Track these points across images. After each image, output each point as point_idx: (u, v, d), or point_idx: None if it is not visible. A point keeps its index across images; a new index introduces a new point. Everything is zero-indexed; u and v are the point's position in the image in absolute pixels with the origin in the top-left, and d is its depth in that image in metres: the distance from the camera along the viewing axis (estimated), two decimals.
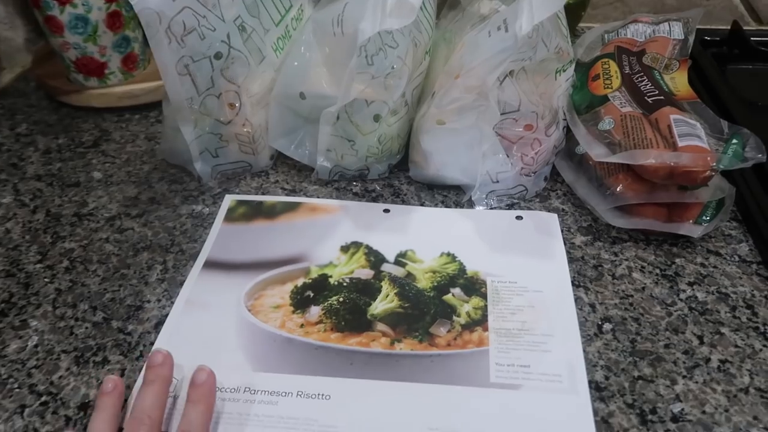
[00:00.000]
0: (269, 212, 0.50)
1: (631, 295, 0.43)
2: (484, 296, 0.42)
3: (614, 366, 0.38)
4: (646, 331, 0.40)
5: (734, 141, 0.44)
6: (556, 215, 0.49)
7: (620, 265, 0.45)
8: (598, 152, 0.46)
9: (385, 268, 0.45)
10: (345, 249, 0.47)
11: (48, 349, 0.40)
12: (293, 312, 0.42)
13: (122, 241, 0.48)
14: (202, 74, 0.47)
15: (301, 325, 0.41)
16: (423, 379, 0.37)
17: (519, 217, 0.49)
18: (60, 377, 0.39)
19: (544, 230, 0.47)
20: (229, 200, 0.51)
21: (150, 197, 0.52)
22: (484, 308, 0.42)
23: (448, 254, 0.46)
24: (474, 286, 0.43)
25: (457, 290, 0.43)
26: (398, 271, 0.44)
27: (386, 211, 0.50)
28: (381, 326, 0.41)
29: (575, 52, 0.59)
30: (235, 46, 0.48)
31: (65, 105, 0.63)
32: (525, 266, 0.45)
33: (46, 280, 0.45)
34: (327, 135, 0.50)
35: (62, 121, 0.62)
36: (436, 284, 0.43)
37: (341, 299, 0.43)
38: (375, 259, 0.46)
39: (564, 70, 0.50)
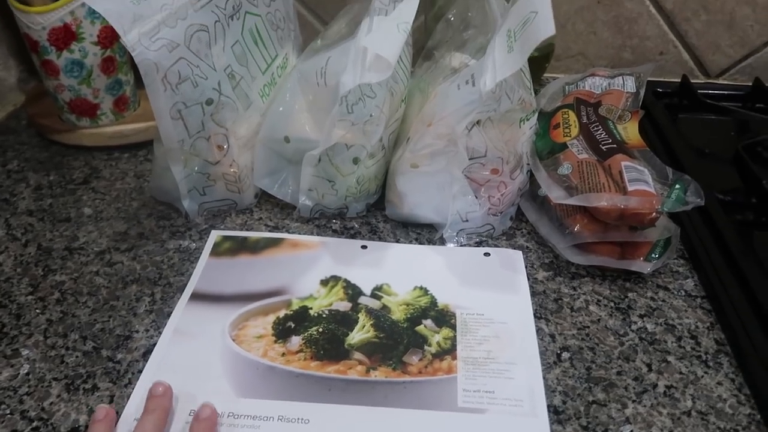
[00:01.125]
0: (253, 247, 0.53)
1: (588, 326, 0.47)
2: (453, 327, 0.46)
3: (571, 391, 0.42)
4: (600, 359, 0.44)
5: (677, 186, 0.49)
6: (520, 252, 0.53)
7: (578, 298, 0.49)
8: (557, 195, 0.50)
9: (362, 300, 0.48)
10: (325, 282, 0.50)
11: (39, 377, 0.42)
12: (275, 342, 0.45)
13: (112, 274, 0.50)
14: (193, 118, 0.50)
15: (283, 354, 0.44)
16: (396, 404, 0.40)
17: (487, 254, 0.52)
18: (51, 404, 0.40)
19: (510, 266, 0.51)
20: (215, 236, 0.54)
21: (139, 232, 0.55)
22: (454, 338, 0.45)
23: (421, 288, 0.49)
24: (444, 318, 0.46)
25: (428, 321, 0.46)
26: (374, 304, 0.48)
27: (364, 247, 0.53)
28: (357, 355, 0.44)
29: (539, 102, 0.64)
30: (224, 93, 0.51)
31: (56, 143, 0.66)
32: (492, 299, 0.48)
33: (37, 311, 0.47)
34: (309, 176, 0.54)
35: (53, 159, 0.64)
36: (409, 316, 0.46)
37: (320, 330, 0.45)
38: (353, 292, 0.49)
39: (527, 119, 0.55)
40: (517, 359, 0.43)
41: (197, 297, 0.48)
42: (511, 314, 0.47)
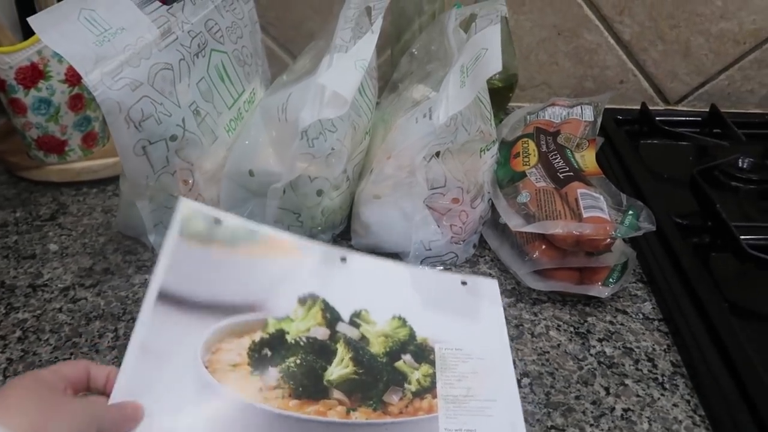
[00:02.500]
0: (229, 239, 0.48)
1: (548, 352, 0.47)
2: (432, 363, 0.45)
3: (530, 417, 0.42)
4: (559, 384, 0.45)
5: (630, 212, 0.50)
6: (496, 282, 0.51)
7: (539, 324, 0.50)
8: (515, 222, 0.51)
9: (340, 328, 0.47)
10: (302, 302, 0.47)
11: None
12: (251, 373, 0.42)
13: (75, 311, 0.50)
14: (158, 154, 0.51)
15: (260, 389, 0.42)
16: None
17: (464, 283, 0.51)
18: None
19: (486, 297, 0.50)
20: (185, 207, 0.46)
21: (104, 268, 0.55)
22: (433, 375, 0.44)
23: (399, 318, 0.48)
24: (423, 353, 0.46)
25: (407, 357, 0.45)
26: (353, 333, 0.46)
27: (343, 260, 0.51)
28: (337, 394, 0.42)
29: (501, 132, 0.66)
30: (189, 129, 0.52)
31: (24, 180, 0.66)
32: (469, 332, 0.47)
33: None
34: (274, 208, 0.54)
35: (20, 195, 0.65)
36: (388, 350, 0.46)
37: (298, 361, 0.44)
38: (331, 316, 0.47)
39: (488, 149, 0.57)
40: (497, 396, 0.43)
41: (166, 299, 0.43)
42: (489, 348, 0.46)
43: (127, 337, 0.48)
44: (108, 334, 0.48)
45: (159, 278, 0.44)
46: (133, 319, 0.49)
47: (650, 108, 0.77)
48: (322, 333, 0.46)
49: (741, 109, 0.82)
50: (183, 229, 0.46)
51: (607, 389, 0.44)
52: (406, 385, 0.43)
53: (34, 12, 0.43)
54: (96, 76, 0.45)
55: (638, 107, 0.79)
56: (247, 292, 0.46)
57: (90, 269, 0.55)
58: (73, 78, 0.61)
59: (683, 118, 0.79)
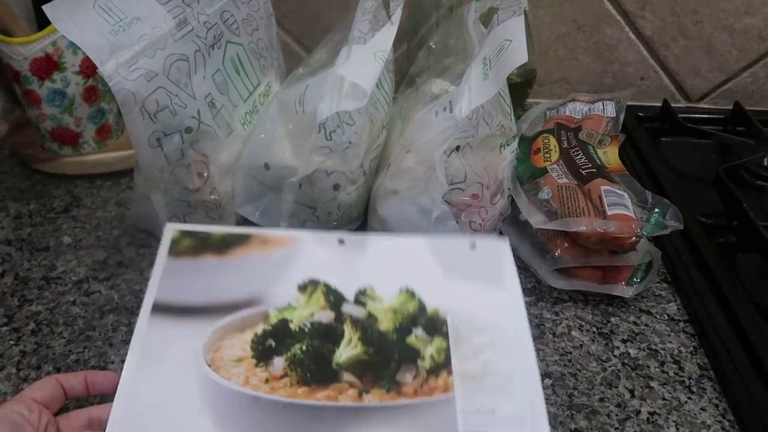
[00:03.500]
0: (218, 246, 0.48)
1: (570, 352, 0.46)
2: (446, 336, 0.43)
3: (553, 419, 0.41)
4: (582, 385, 0.43)
5: (656, 210, 0.49)
6: (507, 241, 0.48)
7: (560, 323, 0.49)
8: (537, 220, 0.50)
9: (346, 308, 0.45)
10: (303, 289, 0.46)
11: None
12: (256, 365, 0.41)
13: (89, 304, 0.50)
14: (172, 147, 0.50)
15: (266, 380, 0.40)
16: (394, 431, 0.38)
17: (472, 245, 0.49)
18: None
19: (498, 258, 0.48)
20: (171, 231, 0.48)
21: (118, 261, 0.54)
22: (447, 350, 0.42)
23: (407, 291, 0.46)
24: (435, 326, 0.44)
25: (419, 331, 0.43)
26: (359, 312, 0.45)
27: (341, 242, 0.49)
28: (348, 376, 0.41)
29: (520, 127, 0.65)
30: (204, 121, 0.51)
31: (39, 172, 0.66)
32: (482, 299, 0.45)
33: (11, 342, 0.46)
34: (290, 203, 0.54)
35: (35, 188, 0.64)
36: (398, 326, 0.44)
37: (304, 348, 0.42)
38: (334, 298, 0.45)
39: (508, 145, 0.55)
40: (515, 371, 0.41)
41: (160, 309, 0.44)
42: (504, 316, 0.44)
43: None
44: (122, 328, 0.48)
45: (151, 295, 0.44)
46: None
47: (672, 105, 0.76)
48: (326, 316, 0.44)
49: (766, 107, 0.80)
50: (171, 250, 0.47)
51: (632, 392, 0.43)
52: (419, 362, 0.41)
53: (49, 1, 0.42)
54: (111, 66, 0.44)
55: (659, 104, 0.77)
56: (244, 288, 0.45)
57: (104, 262, 0.54)
58: (87, 70, 0.61)
59: (706, 116, 0.77)
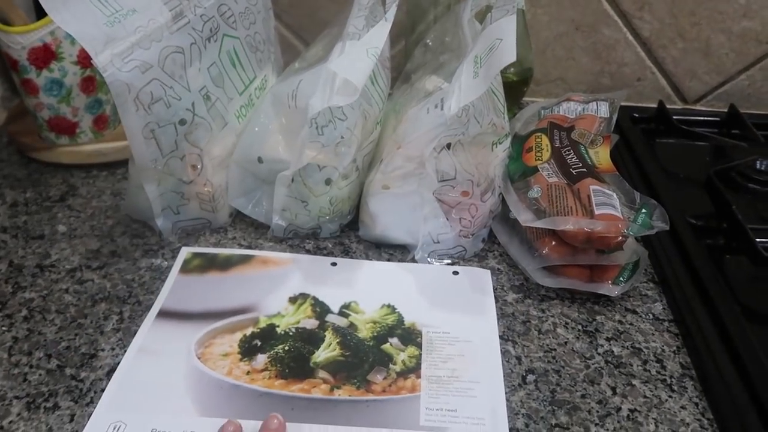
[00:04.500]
0: (223, 264, 0.53)
1: (555, 349, 0.47)
2: (419, 346, 0.46)
3: (534, 414, 0.42)
4: (565, 382, 0.44)
5: (643, 211, 0.49)
6: (489, 272, 0.53)
7: (546, 321, 0.49)
8: (525, 217, 0.50)
9: (330, 318, 0.48)
10: (293, 300, 0.50)
11: (0, 395, 0.42)
12: (241, 360, 0.45)
13: (81, 292, 0.50)
14: (166, 138, 0.51)
15: (248, 372, 0.44)
16: (359, 423, 0.40)
17: (455, 273, 0.53)
18: (10, 422, 0.40)
19: (478, 286, 0.52)
20: (185, 253, 0.54)
21: (111, 250, 0.55)
22: (419, 357, 0.45)
23: (389, 306, 0.49)
24: (410, 336, 0.47)
25: (394, 340, 0.46)
26: (341, 322, 0.48)
27: (334, 264, 0.54)
28: (322, 373, 0.44)
29: (514, 126, 0.65)
30: (199, 114, 0.52)
31: (36, 161, 0.66)
32: (458, 319, 0.48)
33: (3, 328, 0.47)
34: (282, 196, 0.54)
35: (31, 176, 0.65)
36: (375, 334, 0.47)
37: (286, 348, 0.45)
38: (320, 309, 0.49)
39: (500, 143, 0.56)
40: (481, 378, 0.43)
41: (164, 315, 0.48)
42: (477, 334, 0.47)
43: (131, 320, 0.48)
44: (113, 317, 0.48)
45: (159, 304, 0.49)
46: (139, 302, 0.49)
47: (668, 107, 0.76)
48: (311, 324, 0.48)
49: (762, 110, 0.80)
50: (182, 268, 0.53)
51: (613, 389, 0.44)
52: (391, 366, 0.44)
53: None
54: (106, 57, 0.45)
55: (655, 105, 0.77)
56: (241, 299, 0.50)
57: (97, 251, 0.55)
58: (85, 60, 0.61)
59: (701, 118, 0.77)
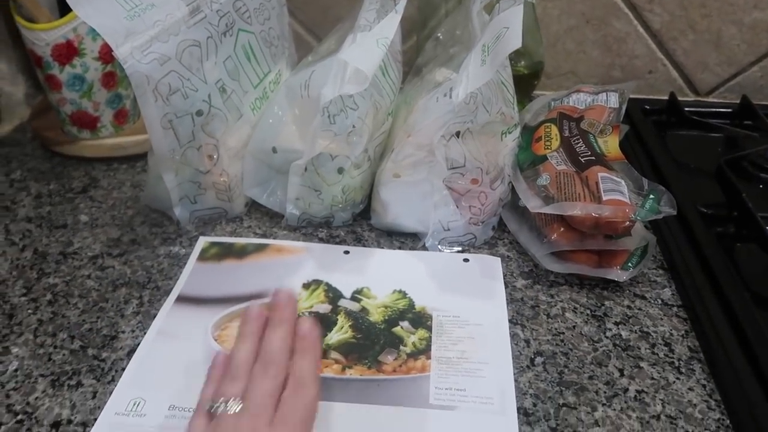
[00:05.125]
0: (239, 253, 0.55)
1: (563, 333, 0.47)
2: (429, 329, 0.47)
3: (542, 394, 0.42)
4: (573, 364, 0.45)
5: (651, 196, 0.50)
6: (499, 259, 0.54)
7: (555, 305, 0.50)
8: (534, 204, 0.51)
9: (342, 303, 0.49)
10: (306, 286, 0.51)
11: (27, 373, 0.44)
12: None
13: (103, 278, 0.52)
14: (184, 129, 0.52)
15: None
16: (369, 400, 0.41)
17: (466, 260, 0.54)
18: (36, 398, 0.42)
19: (488, 273, 0.52)
20: (202, 242, 0.56)
21: (131, 239, 0.57)
22: (429, 339, 0.46)
23: (400, 291, 0.50)
24: (421, 320, 0.48)
25: (405, 323, 0.47)
26: (353, 306, 0.49)
27: (346, 252, 0.55)
28: (334, 354, 0.45)
29: (524, 117, 0.66)
30: (215, 105, 0.54)
31: (58, 154, 0.69)
32: (468, 304, 0.49)
33: (29, 311, 0.49)
34: (296, 185, 0.55)
35: (54, 169, 0.67)
36: (387, 318, 0.48)
37: None
38: (333, 295, 0.50)
39: (509, 132, 0.56)
40: (490, 359, 0.44)
41: (183, 300, 0.50)
42: (487, 318, 0.48)
43: (151, 304, 0.50)
44: (133, 301, 0.50)
45: (177, 289, 0.51)
46: (157, 288, 0.51)
47: (679, 99, 0.76)
48: (324, 308, 0.49)
49: None
50: (200, 257, 0.54)
51: (621, 371, 0.44)
52: (401, 347, 0.45)
53: None
54: (126, 49, 0.46)
55: (667, 98, 0.77)
56: (256, 284, 0.51)
57: (118, 240, 0.57)
58: (106, 56, 0.63)
59: (713, 110, 0.77)
